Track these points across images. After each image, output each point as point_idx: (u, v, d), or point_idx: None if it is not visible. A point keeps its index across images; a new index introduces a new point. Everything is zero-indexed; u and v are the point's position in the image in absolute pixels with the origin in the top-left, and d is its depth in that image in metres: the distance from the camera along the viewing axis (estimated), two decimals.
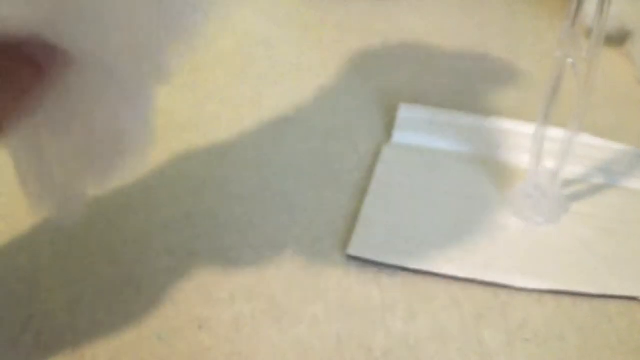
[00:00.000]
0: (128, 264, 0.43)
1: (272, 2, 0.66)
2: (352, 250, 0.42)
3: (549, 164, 0.43)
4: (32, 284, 0.42)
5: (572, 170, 0.46)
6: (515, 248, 0.42)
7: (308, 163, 0.49)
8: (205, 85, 0.57)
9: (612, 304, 0.39)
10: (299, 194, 0.47)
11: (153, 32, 0.31)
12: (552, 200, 0.44)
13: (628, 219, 0.43)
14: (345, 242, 0.43)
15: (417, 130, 0.50)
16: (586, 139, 0.48)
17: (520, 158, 0.47)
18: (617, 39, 0.57)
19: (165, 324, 0.39)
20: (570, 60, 0.38)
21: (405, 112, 0.52)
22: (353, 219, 0.44)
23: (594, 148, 0.48)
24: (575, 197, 0.45)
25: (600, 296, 0.39)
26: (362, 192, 0.46)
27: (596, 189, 0.46)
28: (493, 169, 0.47)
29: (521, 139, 0.49)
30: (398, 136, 0.50)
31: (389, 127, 0.52)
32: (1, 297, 0.41)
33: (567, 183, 0.45)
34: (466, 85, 0.55)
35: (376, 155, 0.49)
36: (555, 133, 0.42)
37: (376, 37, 0.61)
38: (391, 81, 0.56)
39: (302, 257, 0.42)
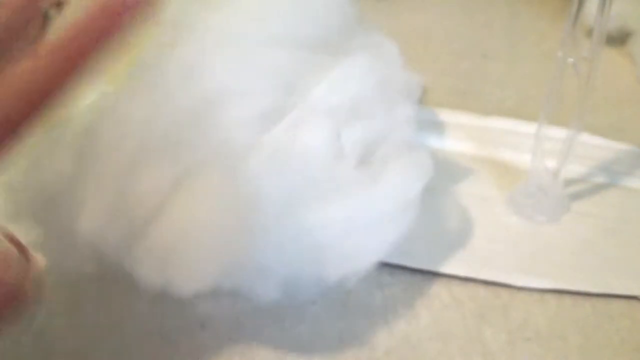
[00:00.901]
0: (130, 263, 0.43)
1: None
2: None
3: (550, 163, 0.43)
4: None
5: (573, 169, 0.46)
6: (517, 247, 0.42)
7: None
8: None
9: (613, 303, 0.39)
10: None
11: None
12: (554, 200, 0.44)
13: (629, 218, 0.43)
14: None
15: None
16: (587, 138, 0.48)
17: (521, 158, 0.47)
18: (618, 38, 0.57)
19: (167, 323, 0.39)
20: (571, 60, 0.38)
21: None
22: None
23: (595, 147, 0.48)
24: (577, 196, 0.45)
25: (601, 295, 0.39)
26: None
27: (597, 189, 0.46)
28: (494, 169, 0.47)
29: (522, 139, 0.49)
30: None
31: None
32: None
33: (569, 182, 0.45)
34: (467, 85, 0.55)
35: None
36: (556, 132, 0.42)
37: None
38: None
39: None
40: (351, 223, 0.36)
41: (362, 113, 0.41)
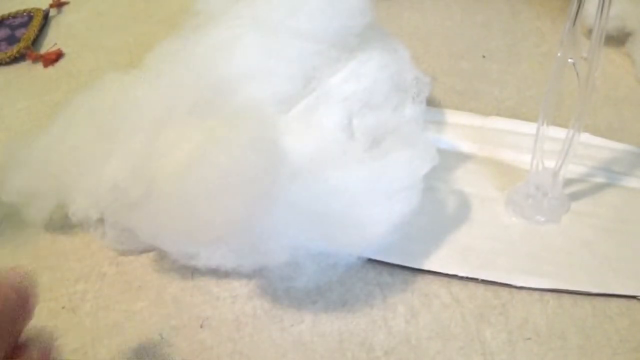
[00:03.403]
0: (130, 263, 0.43)
1: None
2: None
3: (550, 163, 0.43)
4: (34, 284, 0.42)
5: (573, 169, 0.46)
6: (517, 247, 0.42)
7: None
8: None
9: (613, 303, 0.39)
10: None
11: None
12: (553, 200, 0.44)
13: (629, 218, 0.43)
14: None
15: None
16: (587, 138, 0.48)
17: (521, 158, 0.47)
18: (618, 38, 0.57)
19: (166, 323, 0.39)
20: (571, 60, 0.38)
21: None
22: None
23: (595, 147, 0.48)
24: (576, 196, 0.45)
25: (601, 295, 0.39)
26: None
27: (597, 188, 0.46)
28: (494, 169, 0.47)
29: (522, 139, 0.49)
30: None
31: None
32: None
33: (568, 182, 0.46)
34: (467, 85, 0.55)
35: None
36: (556, 133, 0.42)
37: None
38: None
39: None
40: (361, 194, 0.38)
41: (374, 104, 0.43)
